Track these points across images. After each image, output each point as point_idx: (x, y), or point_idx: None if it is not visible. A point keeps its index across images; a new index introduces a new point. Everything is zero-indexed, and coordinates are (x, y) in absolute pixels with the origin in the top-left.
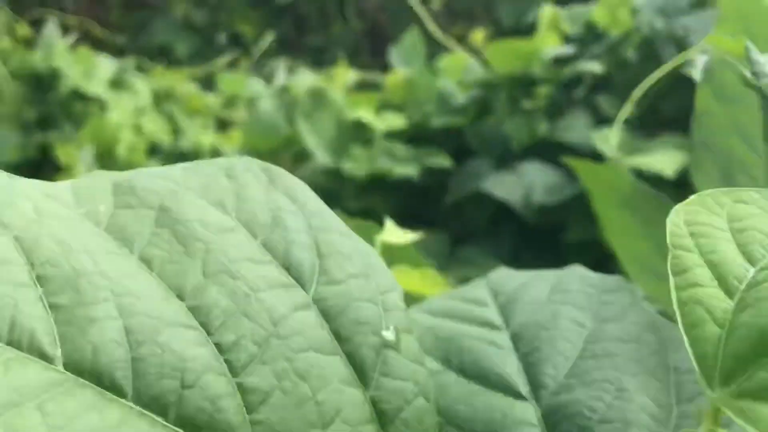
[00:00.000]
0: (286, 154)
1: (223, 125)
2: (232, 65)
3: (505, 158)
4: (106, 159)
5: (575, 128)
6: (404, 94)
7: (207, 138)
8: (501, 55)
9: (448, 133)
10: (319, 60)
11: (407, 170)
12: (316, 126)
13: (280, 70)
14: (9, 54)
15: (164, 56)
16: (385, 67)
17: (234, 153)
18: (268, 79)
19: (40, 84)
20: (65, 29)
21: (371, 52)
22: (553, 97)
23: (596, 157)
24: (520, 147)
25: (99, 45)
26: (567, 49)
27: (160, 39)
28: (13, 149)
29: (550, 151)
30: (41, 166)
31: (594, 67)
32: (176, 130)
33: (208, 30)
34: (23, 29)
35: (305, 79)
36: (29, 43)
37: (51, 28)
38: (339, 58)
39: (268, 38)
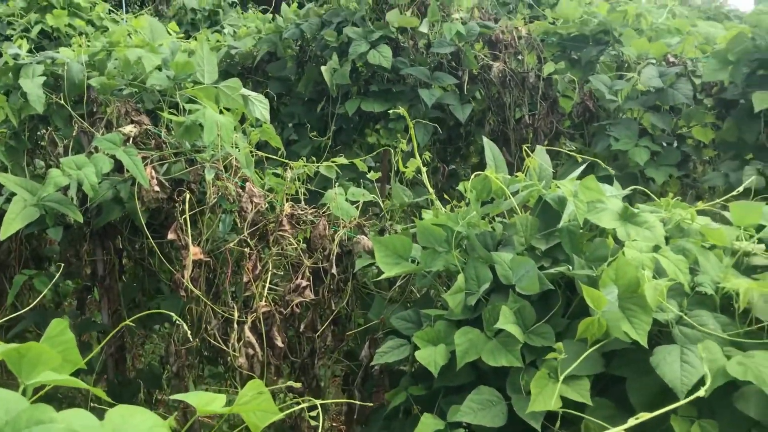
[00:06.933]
0: None
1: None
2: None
3: None
4: (631, 298)
5: None
6: None
7: (732, 281)
8: None
9: None
10: None
11: None
12: None
13: None
14: (513, 183)
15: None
16: None
17: None
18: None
19: (547, 214)
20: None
21: None
22: None
23: None
24: None
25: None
26: None
27: (614, 149)
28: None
29: None
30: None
31: None
32: (692, 269)
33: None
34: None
35: None
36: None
37: (541, 151)
38: None
39: None
